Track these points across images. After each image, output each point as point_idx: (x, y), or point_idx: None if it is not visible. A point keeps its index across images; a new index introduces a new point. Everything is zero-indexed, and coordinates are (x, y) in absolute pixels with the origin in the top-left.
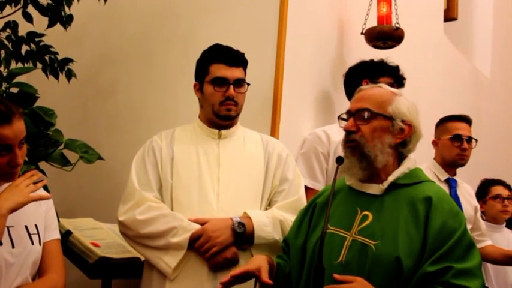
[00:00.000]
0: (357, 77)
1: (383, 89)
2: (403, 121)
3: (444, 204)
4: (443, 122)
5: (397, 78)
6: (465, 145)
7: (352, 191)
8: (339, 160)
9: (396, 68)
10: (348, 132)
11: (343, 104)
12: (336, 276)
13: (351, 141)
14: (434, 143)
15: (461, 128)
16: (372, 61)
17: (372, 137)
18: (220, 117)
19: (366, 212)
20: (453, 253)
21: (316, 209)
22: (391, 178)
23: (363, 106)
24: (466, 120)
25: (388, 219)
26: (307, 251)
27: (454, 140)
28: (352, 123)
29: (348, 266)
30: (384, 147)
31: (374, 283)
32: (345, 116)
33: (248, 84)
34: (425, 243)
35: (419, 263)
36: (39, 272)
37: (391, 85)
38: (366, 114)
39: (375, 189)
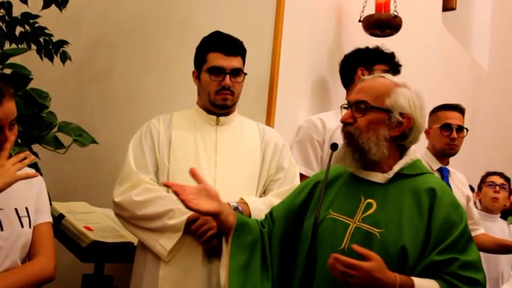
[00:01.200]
0: (352, 65)
1: (385, 79)
2: (401, 114)
3: (447, 197)
4: (435, 111)
5: (392, 65)
6: (454, 134)
7: (355, 177)
8: (333, 147)
9: (391, 55)
10: (345, 124)
11: (340, 92)
12: (354, 246)
13: (346, 133)
14: (427, 132)
15: (452, 117)
16: (366, 48)
17: (367, 129)
18: (216, 106)
19: (370, 200)
20: (457, 245)
21: (317, 189)
22: (396, 168)
23: (361, 98)
24: (458, 109)
25: (392, 208)
26: (304, 233)
27: (444, 129)
28: (350, 114)
29: (351, 253)
30: (379, 139)
31: None
32: (345, 106)
33: (245, 74)
34: (429, 233)
35: (423, 252)
36: (29, 255)
37: (386, 72)
38: (362, 107)
39: (379, 177)
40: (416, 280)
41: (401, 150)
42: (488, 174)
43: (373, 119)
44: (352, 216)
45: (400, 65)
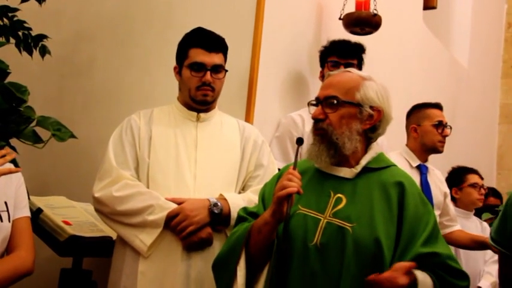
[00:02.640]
0: (323, 58)
1: (352, 73)
2: (371, 107)
3: (414, 189)
4: (422, 108)
5: (340, 53)
6: (447, 132)
7: (321, 173)
8: (299, 141)
9: (339, 44)
10: (316, 120)
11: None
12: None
13: (319, 129)
14: (413, 128)
15: (440, 115)
16: (324, 46)
17: (339, 124)
18: (197, 102)
19: (339, 195)
20: (433, 237)
21: None
22: (363, 162)
23: (331, 93)
24: (441, 108)
25: (362, 202)
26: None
27: (438, 127)
28: (320, 110)
29: (324, 248)
30: (352, 134)
31: (354, 266)
32: (313, 102)
33: (226, 71)
34: (400, 225)
35: (397, 245)
36: (7, 250)
37: (336, 63)
38: (333, 102)
39: (346, 172)
40: (417, 272)
41: (367, 144)
42: (466, 171)
43: (345, 114)
44: (322, 212)
45: (351, 46)
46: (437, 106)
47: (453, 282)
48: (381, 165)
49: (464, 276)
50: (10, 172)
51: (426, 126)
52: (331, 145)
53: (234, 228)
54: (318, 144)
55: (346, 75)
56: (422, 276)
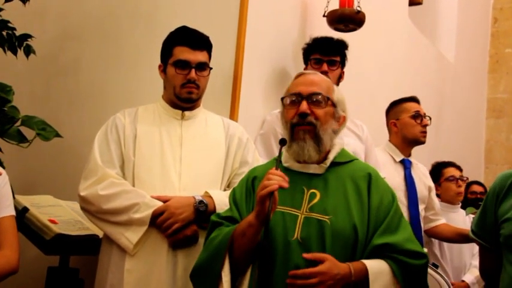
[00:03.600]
0: (306, 55)
1: (323, 76)
2: (341, 109)
3: (380, 180)
4: (399, 103)
5: (323, 51)
6: (426, 121)
7: (291, 172)
8: (282, 142)
9: (321, 41)
10: (304, 115)
11: None
12: (305, 255)
13: (308, 124)
14: (393, 123)
15: (417, 107)
16: (314, 39)
17: (325, 120)
18: (182, 99)
19: (313, 190)
20: (391, 225)
21: (255, 183)
22: (331, 156)
23: (317, 90)
24: (417, 100)
25: (335, 194)
26: None
27: (416, 118)
28: (307, 105)
29: (305, 242)
30: (331, 132)
31: (334, 255)
32: (290, 99)
33: (211, 68)
34: (369, 214)
35: (367, 234)
36: None
37: (319, 61)
38: (319, 99)
39: (316, 168)
40: (367, 262)
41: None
42: (441, 166)
43: (328, 112)
44: (298, 208)
45: (334, 44)
46: (413, 99)
47: (410, 262)
48: (346, 160)
49: (420, 256)
50: None
51: (404, 119)
52: (317, 140)
53: (208, 233)
54: (307, 138)
55: (321, 76)
56: (374, 264)
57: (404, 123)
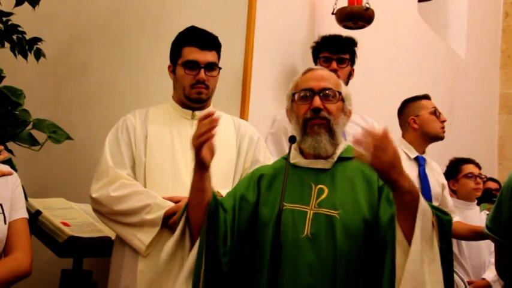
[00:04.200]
0: (315, 54)
1: (330, 72)
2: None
3: None
4: (415, 100)
5: (332, 49)
6: (444, 117)
7: (297, 168)
8: (292, 139)
9: (331, 40)
10: (318, 110)
11: None
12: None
13: (322, 118)
14: (412, 120)
15: (433, 104)
16: (323, 37)
17: (337, 115)
18: (191, 100)
19: (320, 186)
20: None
21: (262, 182)
22: (338, 152)
23: (328, 86)
24: (430, 98)
25: (343, 189)
26: (262, 224)
27: (435, 114)
28: (320, 101)
29: (316, 238)
30: (342, 125)
31: (347, 250)
32: (302, 94)
33: (220, 68)
34: (379, 204)
35: (379, 222)
36: (4, 251)
37: (328, 59)
38: (331, 93)
39: (323, 163)
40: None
41: None
42: (460, 162)
43: (339, 106)
44: (307, 204)
45: (342, 42)
46: (427, 97)
47: (442, 217)
48: (353, 155)
49: (445, 212)
50: (3, 174)
51: (425, 115)
52: (331, 134)
53: None
54: (319, 132)
55: (328, 71)
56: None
57: (425, 119)
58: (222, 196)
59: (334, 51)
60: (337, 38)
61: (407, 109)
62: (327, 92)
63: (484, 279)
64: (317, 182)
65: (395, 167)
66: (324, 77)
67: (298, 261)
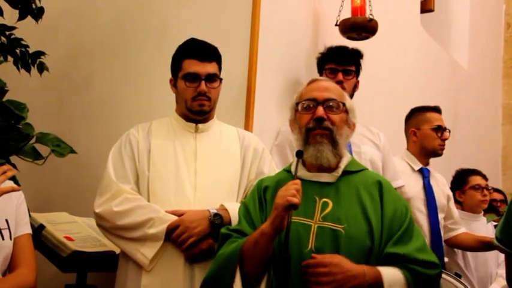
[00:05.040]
0: (318, 68)
1: (334, 83)
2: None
3: (391, 188)
4: (421, 112)
5: (338, 60)
6: (447, 135)
7: (302, 180)
8: (299, 154)
9: (336, 50)
10: (320, 120)
11: None
12: (309, 261)
13: (325, 129)
14: (413, 132)
15: (439, 119)
16: (322, 52)
17: (340, 126)
18: (194, 112)
19: (325, 199)
20: (407, 234)
21: (267, 194)
22: (342, 165)
23: (332, 96)
24: (440, 111)
25: (348, 203)
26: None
27: (437, 131)
28: (323, 111)
29: (319, 252)
30: (345, 137)
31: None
32: (306, 104)
33: (221, 80)
34: (382, 222)
35: (381, 242)
36: (9, 267)
37: (334, 71)
38: (335, 104)
39: (328, 177)
40: (381, 268)
41: None
42: (466, 173)
43: (342, 118)
44: (311, 217)
45: (348, 53)
46: (436, 110)
47: (424, 272)
48: (356, 169)
49: (434, 265)
50: (13, 190)
51: (425, 130)
52: (334, 144)
53: (219, 246)
54: (322, 142)
55: (333, 82)
56: (389, 271)
57: (425, 134)
58: (225, 209)
59: (341, 63)
60: (343, 49)
61: (412, 119)
62: (330, 103)
63: None
64: (321, 196)
65: (347, 283)
66: (328, 87)
67: (303, 275)
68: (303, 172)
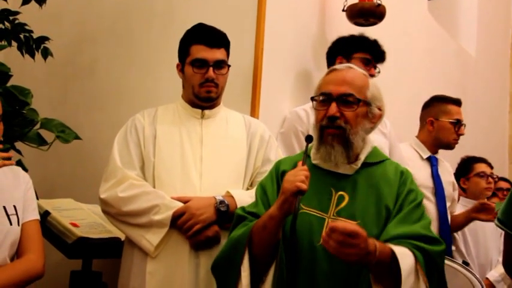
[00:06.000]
0: (333, 53)
1: (357, 71)
2: (377, 106)
3: (411, 176)
4: (442, 103)
5: (374, 53)
6: (463, 130)
7: (319, 169)
8: (309, 139)
9: (372, 43)
10: (333, 118)
11: None
12: (337, 227)
13: (336, 128)
14: (430, 122)
15: (459, 113)
16: (348, 37)
17: (355, 123)
18: (201, 98)
19: (341, 193)
20: (410, 217)
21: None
22: (362, 157)
23: (348, 91)
24: (461, 104)
25: (364, 198)
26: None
27: (455, 125)
28: (336, 108)
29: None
30: (363, 133)
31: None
32: (321, 98)
33: (229, 66)
34: (394, 207)
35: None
36: (17, 253)
37: (367, 61)
38: (350, 100)
39: (346, 169)
40: (390, 244)
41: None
42: (472, 161)
43: (359, 113)
44: (325, 211)
45: (384, 52)
46: (458, 102)
47: (428, 248)
48: (377, 160)
49: (438, 241)
50: (4, 165)
51: (444, 122)
52: (346, 145)
53: (233, 227)
54: (334, 144)
55: (354, 71)
56: (397, 247)
57: (443, 126)
58: (231, 196)
59: (376, 60)
60: (378, 44)
61: (432, 108)
62: (346, 98)
63: (487, 279)
64: (338, 188)
65: (362, 259)
66: (346, 80)
67: (313, 269)
68: (320, 160)
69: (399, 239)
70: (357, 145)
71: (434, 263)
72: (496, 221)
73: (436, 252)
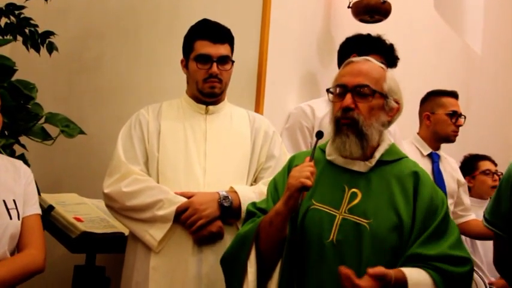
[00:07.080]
0: (348, 49)
1: (374, 63)
2: (394, 99)
3: (428, 179)
4: (437, 96)
5: (388, 58)
6: (461, 122)
7: (333, 166)
8: (319, 134)
9: (388, 47)
10: (347, 109)
11: (329, 79)
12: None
13: (349, 119)
14: (426, 116)
15: (456, 105)
16: (366, 35)
17: (369, 115)
18: (204, 94)
19: (354, 190)
20: (440, 229)
21: None
22: (377, 155)
23: (363, 82)
24: (457, 96)
25: (377, 197)
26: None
27: (452, 116)
28: (351, 99)
29: (340, 245)
30: (379, 125)
31: (373, 261)
32: (337, 90)
33: (233, 62)
34: (414, 216)
35: (410, 237)
36: (18, 247)
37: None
38: (365, 91)
39: (360, 166)
40: (406, 270)
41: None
42: (476, 159)
43: (375, 105)
44: (337, 207)
45: (398, 58)
46: (453, 94)
47: (453, 270)
48: (394, 158)
49: (465, 261)
50: None
51: (440, 115)
52: (360, 136)
53: (244, 223)
54: (347, 134)
55: (371, 64)
56: (414, 272)
57: (439, 119)
58: (234, 192)
59: (390, 65)
60: (391, 45)
61: (427, 102)
62: (361, 89)
63: (501, 278)
64: (351, 185)
65: None
66: (362, 71)
67: (322, 267)
68: (335, 156)
69: (422, 261)
70: (371, 137)
71: (456, 286)
72: (484, 222)
73: (460, 274)
